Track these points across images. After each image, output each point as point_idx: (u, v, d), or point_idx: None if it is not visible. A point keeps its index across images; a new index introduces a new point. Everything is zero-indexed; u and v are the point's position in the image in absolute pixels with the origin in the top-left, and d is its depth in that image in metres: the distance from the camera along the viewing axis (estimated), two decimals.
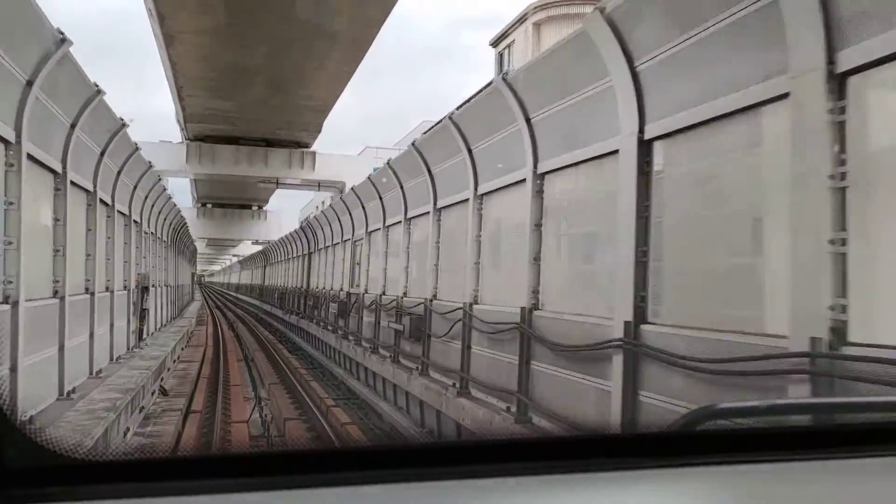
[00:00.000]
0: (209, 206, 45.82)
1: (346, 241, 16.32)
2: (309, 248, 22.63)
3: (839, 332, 3.09)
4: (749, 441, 0.96)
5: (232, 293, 72.46)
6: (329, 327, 15.50)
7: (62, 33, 6.34)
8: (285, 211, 55.29)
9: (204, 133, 22.79)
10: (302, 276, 23.42)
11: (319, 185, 28.79)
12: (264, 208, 48.43)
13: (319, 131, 23.48)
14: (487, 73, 18.88)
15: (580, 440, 1.01)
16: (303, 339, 21.20)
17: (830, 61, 3.01)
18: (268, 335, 26.75)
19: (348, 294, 14.46)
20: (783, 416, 1.12)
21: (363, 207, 13.37)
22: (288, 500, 0.74)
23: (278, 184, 28.71)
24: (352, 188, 14.49)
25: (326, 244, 18.54)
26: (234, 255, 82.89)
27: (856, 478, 0.91)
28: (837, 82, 3.02)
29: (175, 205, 18.90)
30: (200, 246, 74.77)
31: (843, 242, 3.09)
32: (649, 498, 0.84)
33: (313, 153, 26.32)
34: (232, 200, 44.07)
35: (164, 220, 17.28)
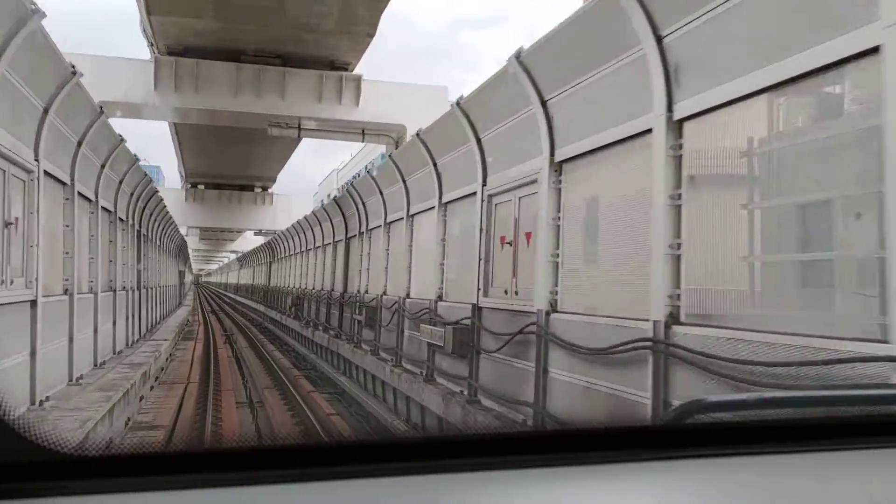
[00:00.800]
0: (201, 187, 42.52)
1: (393, 222, 14.59)
2: (347, 232, 19.15)
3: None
4: (739, 434, 1.32)
5: (230, 294, 73.64)
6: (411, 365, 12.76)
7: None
8: (295, 195, 50.56)
9: (184, 42, 20.00)
10: (332, 273, 20.49)
11: (364, 134, 22.85)
12: (270, 190, 44.58)
13: (366, 45, 19.09)
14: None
15: (571, 433, 1.36)
16: (345, 375, 17.73)
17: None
18: (282, 360, 23.97)
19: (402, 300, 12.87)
20: (773, 410, 1.48)
21: (435, 165, 11.81)
22: (284, 494, 1.04)
23: (301, 131, 22.47)
24: (417, 133, 12.18)
25: (375, 224, 15.58)
26: (232, 252, 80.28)
27: (845, 470, 1.25)
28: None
29: (137, 160, 14.72)
30: (194, 241, 71.04)
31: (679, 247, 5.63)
32: (640, 490, 1.17)
33: (357, 78, 20.93)
34: (230, 180, 40.94)
35: (119, 186, 14.08)
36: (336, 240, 21.27)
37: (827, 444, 1.31)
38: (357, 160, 54.31)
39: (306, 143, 33.40)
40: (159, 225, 24.75)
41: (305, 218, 27.43)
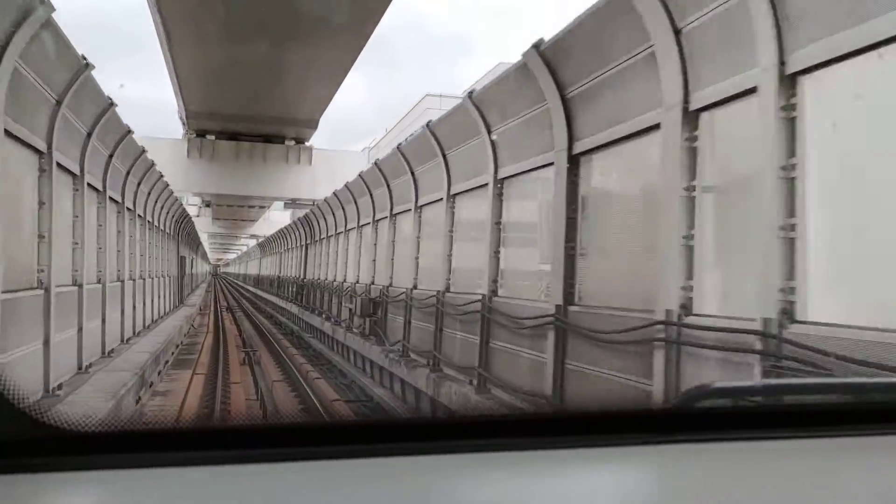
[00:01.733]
0: (210, 137, 38.30)
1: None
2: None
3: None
4: (745, 419, 1.85)
5: (249, 288, 78.13)
6: None
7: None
8: (339, 155, 44.66)
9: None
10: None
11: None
12: (307, 143, 40.35)
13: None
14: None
15: (577, 416, 1.93)
16: None
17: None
18: None
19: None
20: (779, 396, 2.17)
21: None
22: (285, 472, 1.49)
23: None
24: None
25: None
26: (253, 237, 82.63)
27: (851, 456, 1.73)
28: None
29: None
30: (206, 223, 73.49)
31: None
32: (646, 473, 1.67)
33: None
34: (251, 126, 36.46)
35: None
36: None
37: (833, 431, 1.79)
38: (392, 136, 50.26)
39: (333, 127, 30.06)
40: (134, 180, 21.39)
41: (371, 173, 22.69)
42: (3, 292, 11.00)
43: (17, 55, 11.10)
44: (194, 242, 59.47)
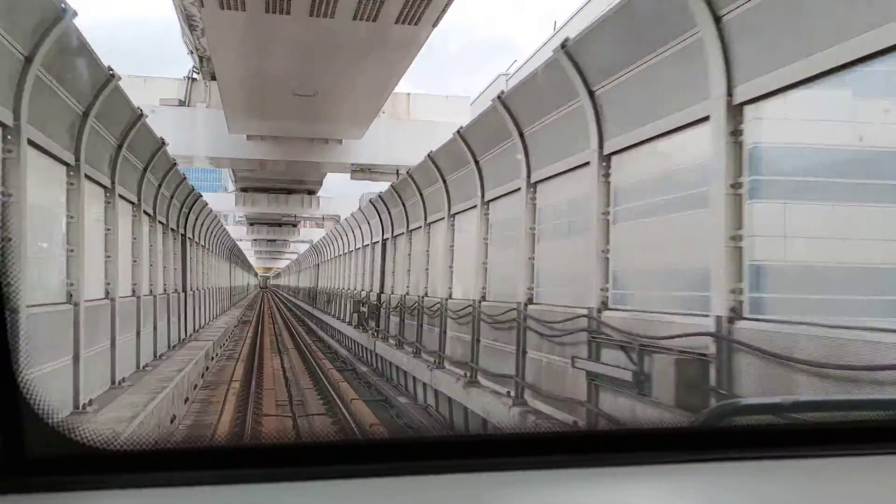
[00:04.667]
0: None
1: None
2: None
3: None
4: (774, 437, 1.88)
5: (302, 305, 71.48)
6: None
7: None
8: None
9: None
10: None
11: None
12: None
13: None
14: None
15: (605, 434, 2.06)
16: None
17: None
18: None
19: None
20: (808, 413, 2.12)
21: None
22: (313, 491, 1.54)
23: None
24: None
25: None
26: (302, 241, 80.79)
27: (884, 475, 1.74)
28: None
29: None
30: (240, 231, 76.10)
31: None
32: (674, 492, 1.68)
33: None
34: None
35: None
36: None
37: (863, 449, 1.77)
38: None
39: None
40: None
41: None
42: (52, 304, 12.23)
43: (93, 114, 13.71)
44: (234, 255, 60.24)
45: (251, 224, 78.01)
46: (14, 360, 1.62)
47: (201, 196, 33.28)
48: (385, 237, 30.44)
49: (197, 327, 34.65)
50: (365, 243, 35.59)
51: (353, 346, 37.48)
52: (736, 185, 8.02)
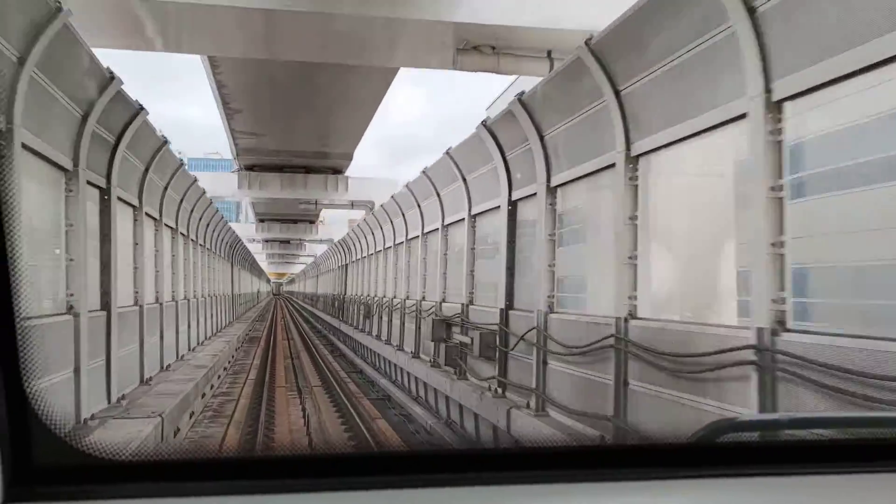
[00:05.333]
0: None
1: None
2: None
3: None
4: (771, 453, 1.92)
5: (327, 320, 55.47)
6: None
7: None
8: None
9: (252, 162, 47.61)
10: None
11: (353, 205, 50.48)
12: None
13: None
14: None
15: (601, 450, 2.07)
16: None
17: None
18: None
19: None
20: (805, 430, 2.12)
21: None
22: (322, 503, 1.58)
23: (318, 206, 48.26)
24: None
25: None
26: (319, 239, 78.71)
27: (880, 493, 1.75)
28: None
29: None
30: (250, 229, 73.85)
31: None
32: None
33: (346, 177, 49.24)
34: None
35: None
36: None
37: (862, 466, 1.78)
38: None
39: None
40: None
41: None
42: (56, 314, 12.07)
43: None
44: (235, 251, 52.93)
45: (261, 221, 73.83)
46: (22, 371, 1.63)
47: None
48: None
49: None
50: (451, 219, 22.29)
51: (429, 395, 23.54)
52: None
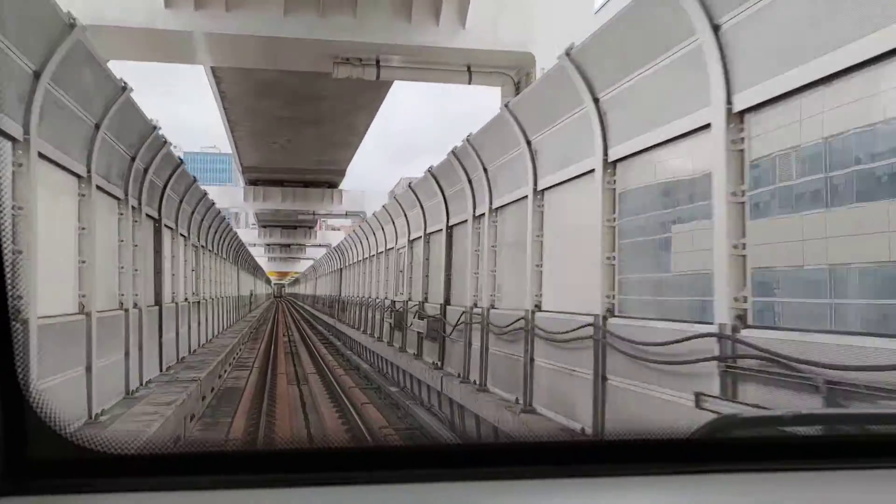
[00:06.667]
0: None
1: None
2: None
3: None
4: (774, 449, 1.92)
5: (343, 329, 46.20)
6: None
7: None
8: None
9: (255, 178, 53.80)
10: None
11: (471, 72, 23.22)
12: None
13: None
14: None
15: (603, 445, 2.06)
16: None
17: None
18: None
19: None
20: (808, 426, 2.15)
21: None
22: (326, 496, 1.59)
23: (380, 69, 22.96)
24: None
25: None
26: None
27: (883, 488, 1.77)
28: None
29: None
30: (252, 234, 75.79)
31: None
32: (673, 503, 1.74)
33: None
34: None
35: None
36: None
37: (862, 462, 1.82)
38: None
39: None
40: None
41: None
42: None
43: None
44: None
45: (263, 227, 77.57)
46: (18, 366, 1.67)
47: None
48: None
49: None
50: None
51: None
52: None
